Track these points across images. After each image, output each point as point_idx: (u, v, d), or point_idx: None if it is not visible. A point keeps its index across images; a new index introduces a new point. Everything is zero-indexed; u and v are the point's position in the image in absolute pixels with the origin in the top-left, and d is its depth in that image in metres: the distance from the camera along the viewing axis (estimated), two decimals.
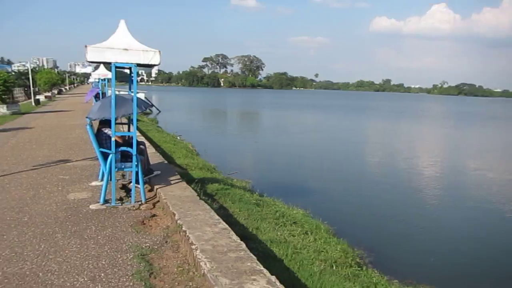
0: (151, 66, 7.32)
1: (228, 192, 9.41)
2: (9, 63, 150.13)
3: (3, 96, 24.37)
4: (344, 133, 38.27)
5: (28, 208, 6.70)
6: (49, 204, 6.95)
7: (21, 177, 8.87)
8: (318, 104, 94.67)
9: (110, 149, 6.87)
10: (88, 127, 6.99)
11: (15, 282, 4.25)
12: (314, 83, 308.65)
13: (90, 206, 6.82)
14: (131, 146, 7.03)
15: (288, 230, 8.15)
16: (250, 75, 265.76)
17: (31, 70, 41.04)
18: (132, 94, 7.13)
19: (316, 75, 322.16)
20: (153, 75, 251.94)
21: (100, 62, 7.87)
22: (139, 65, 6.94)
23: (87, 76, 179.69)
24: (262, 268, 4.22)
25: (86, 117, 7.45)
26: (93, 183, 8.31)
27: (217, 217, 5.85)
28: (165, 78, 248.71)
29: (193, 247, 4.72)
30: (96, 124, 7.55)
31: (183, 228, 5.33)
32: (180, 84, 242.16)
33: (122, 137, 7.87)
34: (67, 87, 74.79)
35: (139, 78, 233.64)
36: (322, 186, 15.97)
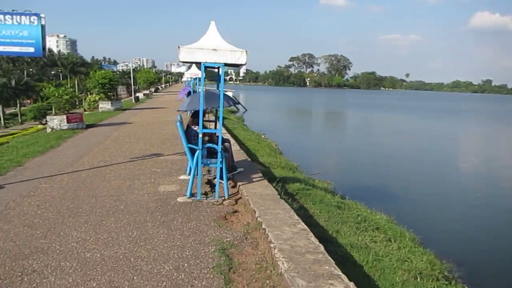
0: (238, 65, 7.54)
1: (309, 192, 9.35)
2: (115, 63, 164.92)
3: (109, 93, 26.86)
4: (435, 136, 35.84)
5: (124, 197, 7.31)
6: (142, 194, 7.51)
7: (119, 168, 9.71)
8: (407, 105, 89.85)
9: (198, 145, 7.22)
10: (178, 123, 7.40)
11: (110, 264, 4.67)
12: (404, 83, 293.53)
13: (178, 199, 7.23)
14: (217, 143, 7.33)
15: (369, 236, 7.87)
16: (337, 75, 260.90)
17: (133, 69, 44.61)
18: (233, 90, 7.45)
19: (407, 75, 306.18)
20: (241, 74, 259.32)
21: (191, 62, 8.30)
22: (226, 64, 7.18)
23: (181, 75, 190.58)
24: (340, 273, 4.13)
25: (178, 110, 7.93)
26: (181, 177, 8.80)
27: (297, 217, 5.84)
28: (253, 78, 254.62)
29: (272, 245, 4.77)
30: (186, 121, 7.98)
31: (263, 226, 5.41)
32: (266, 83, 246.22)
33: (209, 134, 8.24)
34: (163, 86, 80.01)
35: (228, 77, 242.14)
36: (408, 192, 15.15)
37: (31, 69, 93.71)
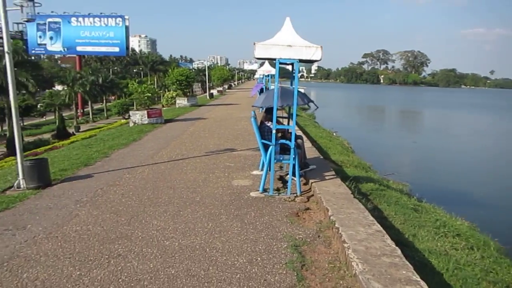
0: (313, 61, 7.45)
1: (384, 193, 9.01)
2: (191, 61, 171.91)
3: (185, 90, 28.04)
4: None
5: (200, 190, 7.58)
6: (217, 187, 7.73)
7: (195, 161, 10.08)
8: (491, 104, 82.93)
9: (271, 141, 7.27)
10: (252, 119, 7.50)
11: (187, 253, 4.87)
12: (488, 81, 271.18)
13: (251, 193, 7.34)
14: (290, 140, 7.33)
15: (449, 242, 7.38)
16: (413, 72, 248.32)
17: (207, 67, 46.08)
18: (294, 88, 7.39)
19: (492, 72, 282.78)
20: (313, 71, 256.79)
21: (266, 59, 8.37)
22: (301, 61, 7.13)
23: (253, 72, 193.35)
24: (419, 279, 3.92)
25: (253, 106, 8.04)
26: (254, 172, 8.92)
27: (371, 218, 5.65)
28: (324, 75, 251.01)
29: (345, 245, 4.66)
30: (259, 117, 8.07)
31: (336, 225, 5.31)
32: (338, 80, 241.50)
33: (282, 130, 8.26)
34: (235, 83, 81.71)
35: (299, 74, 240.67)
36: (491, 197, 14.01)
37: (115, 68, 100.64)
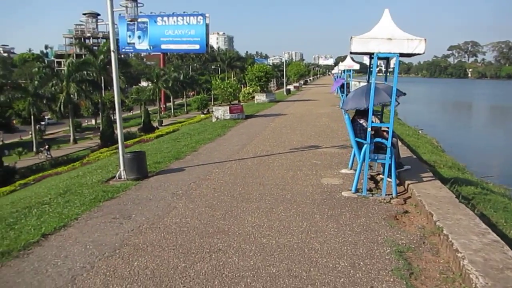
0: (413, 55, 7.02)
1: (488, 198, 8.24)
2: (266, 57, 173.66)
3: (264, 86, 28.27)
4: None
5: (289, 187, 7.51)
6: (306, 185, 7.61)
7: (281, 158, 10.05)
8: None
9: (365, 139, 6.97)
10: (346, 117, 7.24)
11: (286, 252, 4.80)
12: None
13: (342, 193, 7.11)
14: (384, 138, 6.98)
15: None
16: (507, 65, 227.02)
17: (283, 63, 46.01)
18: (384, 83, 7.05)
19: None
20: (391, 65, 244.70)
21: (362, 53, 8.04)
22: (402, 55, 6.74)
23: (328, 67, 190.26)
24: None
25: (341, 108, 7.74)
26: (343, 171, 8.65)
27: (484, 225, 5.16)
28: (404, 69, 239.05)
29: (459, 255, 4.28)
30: (351, 114, 7.78)
31: (444, 232, 4.91)
32: (420, 74, 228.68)
33: (375, 128, 7.88)
34: (311, 78, 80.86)
35: (377, 69, 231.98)
36: None
37: (195, 64, 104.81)
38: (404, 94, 7.65)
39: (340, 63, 28.68)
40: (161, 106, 68.35)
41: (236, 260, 4.62)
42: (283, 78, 43.83)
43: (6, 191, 20.32)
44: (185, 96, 76.11)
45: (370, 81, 7.37)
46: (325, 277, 4.24)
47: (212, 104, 75.27)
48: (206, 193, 7.25)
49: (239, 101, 30.10)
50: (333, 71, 48.23)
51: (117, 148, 26.55)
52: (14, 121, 53.81)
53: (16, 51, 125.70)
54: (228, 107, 17.96)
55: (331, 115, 19.42)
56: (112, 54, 8.43)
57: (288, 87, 39.93)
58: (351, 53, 7.29)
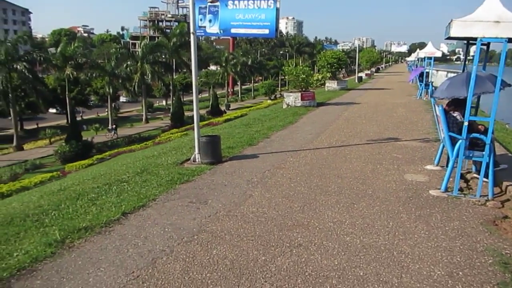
0: None
1: None
2: (335, 43, 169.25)
3: (336, 73, 27.39)
4: None
5: (369, 182, 7.05)
6: (388, 181, 7.09)
7: (358, 149, 9.54)
8: None
9: (458, 134, 6.32)
10: (440, 108, 6.59)
11: (372, 254, 4.42)
12: None
13: (430, 192, 6.52)
14: (480, 132, 6.31)
15: None
16: None
17: (353, 49, 44.34)
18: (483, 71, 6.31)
19: None
20: (471, 53, 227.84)
21: (462, 38, 7.27)
22: (510, 40, 5.95)
23: (401, 55, 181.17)
24: None
25: (431, 97, 7.09)
26: (428, 167, 7.98)
27: None
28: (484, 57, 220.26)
29: None
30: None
31: None
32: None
33: (469, 121, 7.13)
34: (383, 66, 77.55)
35: (455, 56, 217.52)
36: None
37: (263, 49, 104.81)
38: (510, 85, 6.82)
39: (419, 50, 26.84)
40: (229, 90, 69.30)
41: (318, 258, 4.33)
42: (353, 65, 42.32)
43: (85, 164, 21.69)
44: (252, 81, 76.49)
45: (466, 70, 6.66)
46: (420, 285, 3.82)
47: (280, 90, 75.09)
48: (282, 182, 7.01)
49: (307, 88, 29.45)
50: (407, 59, 45.57)
51: (187, 129, 27.32)
52: (92, 98, 57.30)
53: (96, 31, 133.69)
54: (299, 94, 17.56)
55: (408, 105, 18.28)
56: (192, 36, 8.41)
57: (360, 74, 38.42)
58: (448, 38, 6.56)
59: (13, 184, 14.82)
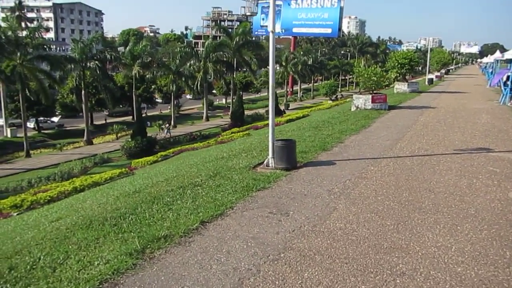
0: None
1: None
2: (400, 43, 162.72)
3: (406, 75, 25.91)
4: None
5: (468, 199, 6.23)
6: (491, 199, 6.23)
7: (445, 160, 8.64)
8: None
9: None
10: None
11: None
12: None
13: None
14: None
15: None
16: None
17: (418, 49, 41.94)
18: None
19: None
20: None
21: None
22: None
23: (471, 56, 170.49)
24: None
25: None
26: None
27: None
28: None
29: None
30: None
31: None
32: None
33: None
34: (453, 67, 73.21)
35: None
36: None
37: (323, 49, 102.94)
38: None
39: (501, 53, 24.68)
40: (288, 89, 68.76)
41: None
42: (419, 66, 39.98)
43: (150, 160, 22.16)
44: (312, 81, 75.40)
45: None
46: None
47: (340, 90, 73.32)
48: (366, 194, 6.40)
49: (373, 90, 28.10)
50: (482, 60, 42.29)
51: (247, 129, 27.09)
52: (156, 96, 59.18)
53: (161, 31, 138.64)
54: (370, 96, 16.64)
55: (492, 111, 16.71)
56: (270, 34, 8.00)
57: (430, 76, 36.25)
58: None
59: (85, 178, 15.35)
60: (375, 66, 19.96)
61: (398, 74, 25.82)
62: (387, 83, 26.32)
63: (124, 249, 4.50)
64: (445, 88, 30.30)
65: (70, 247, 4.74)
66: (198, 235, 4.94)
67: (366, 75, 16.82)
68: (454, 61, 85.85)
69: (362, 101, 16.88)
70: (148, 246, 4.59)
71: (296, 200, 6.14)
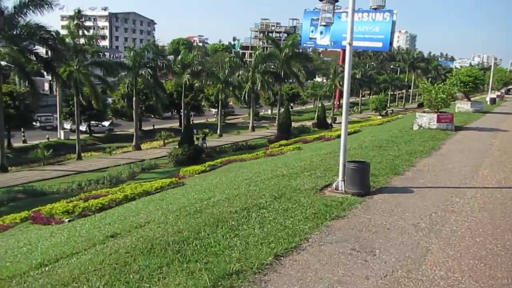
0: None
1: None
2: (452, 59, 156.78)
3: (469, 94, 24.29)
4: None
5: None
6: None
7: None
8: None
9: None
10: None
11: None
12: None
13: None
14: None
15: None
16: None
17: (484, 67, 39.58)
18: None
19: None
20: None
21: None
22: None
23: None
24: None
25: None
26: None
27: None
28: None
29: None
30: None
31: None
32: None
33: None
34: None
35: None
36: None
37: (372, 63, 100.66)
38: None
39: None
40: (335, 103, 67.43)
41: None
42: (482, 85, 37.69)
43: (198, 170, 21.87)
44: (360, 95, 73.63)
45: None
46: None
47: (388, 106, 71.04)
48: (461, 234, 5.51)
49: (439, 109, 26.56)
50: None
51: (295, 141, 26.26)
52: (203, 104, 59.75)
53: (209, 41, 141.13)
54: (435, 115, 15.46)
55: None
56: (348, 46, 7.33)
57: (492, 95, 34.01)
58: None
59: (135, 186, 15.18)
60: (443, 82, 18.68)
61: (462, 92, 24.23)
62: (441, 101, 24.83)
63: (192, 285, 3.92)
64: (510, 109, 28.20)
65: (131, 276, 4.23)
66: (273, 273, 4.29)
67: (433, 92, 15.67)
68: None
69: (426, 119, 15.72)
70: (219, 283, 3.99)
71: (379, 235, 5.36)
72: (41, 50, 29.13)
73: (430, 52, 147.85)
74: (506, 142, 13.37)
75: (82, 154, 33.77)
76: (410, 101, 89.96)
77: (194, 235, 5.32)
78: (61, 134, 39.68)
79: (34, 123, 42.31)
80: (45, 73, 45.23)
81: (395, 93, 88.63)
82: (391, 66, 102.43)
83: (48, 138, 38.19)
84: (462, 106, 24.10)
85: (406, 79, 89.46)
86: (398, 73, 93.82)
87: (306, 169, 9.62)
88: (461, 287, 4.11)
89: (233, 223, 5.78)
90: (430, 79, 24.93)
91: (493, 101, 32.14)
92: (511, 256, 4.88)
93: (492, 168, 9.61)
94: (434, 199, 6.97)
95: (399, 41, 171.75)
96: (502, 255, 4.89)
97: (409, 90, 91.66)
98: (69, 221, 11.11)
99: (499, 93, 40.99)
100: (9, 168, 28.30)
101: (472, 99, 35.67)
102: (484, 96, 43.41)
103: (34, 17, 25.53)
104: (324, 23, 8.45)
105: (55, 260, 5.80)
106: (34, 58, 27.91)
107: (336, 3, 7.88)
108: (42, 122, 43.46)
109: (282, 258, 4.63)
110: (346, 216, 6.01)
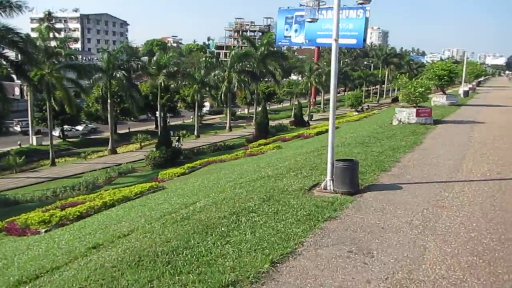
0: None
1: None
2: (423, 54, 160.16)
3: (444, 87, 24.70)
4: None
5: None
6: None
7: None
8: None
9: None
10: None
11: None
12: None
13: None
14: None
15: None
16: None
17: (455, 61, 40.41)
18: None
19: None
20: None
21: None
22: None
23: (498, 68, 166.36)
24: None
25: None
26: None
27: None
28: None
29: None
30: None
31: None
32: None
33: None
34: (481, 79, 71.11)
35: None
36: None
37: (346, 60, 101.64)
38: None
39: None
40: (311, 100, 67.75)
41: None
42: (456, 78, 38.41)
43: (177, 173, 21.44)
44: (335, 92, 74.07)
45: None
46: None
47: (363, 101, 71.82)
48: (455, 229, 5.45)
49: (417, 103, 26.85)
50: (510, 72, 40.54)
51: (274, 140, 26.08)
52: (179, 106, 58.95)
53: (183, 42, 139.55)
54: (414, 110, 15.58)
55: None
56: (333, 43, 7.16)
57: (465, 88, 34.68)
58: None
59: (113, 192, 14.69)
60: (417, 76, 18.86)
61: (437, 86, 24.61)
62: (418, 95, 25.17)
63: None
64: (483, 101, 28.86)
65: None
66: (271, 281, 4.09)
67: (411, 87, 15.78)
68: (484, 72, 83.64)
69: (406, 114, 15.83)
70: None
71: (375, 235, 5.23)
72: (11, 54, 28.11)
73: (402, 48, 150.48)
74: (485, 134, 13.57)
75: (56, 160, 32.75)
76: (384, 96, 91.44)
77: (184, 244, 5.06)
78: (33, 140, 38.35)
79: (15, 128, 41.01)
80: (15, 77, 43.57)
81: (369, 88, 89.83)
82: (365, 62, 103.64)
83: (20, 144, 36.84)
84: (438, 99, 24.50)
85: (380, 75, 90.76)
86: (372, 69, 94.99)
87: (291, 169, 9.45)
88: (464, 286, 4.01)
89: (223, 229, 5.55)
90: (406, 74, 25.34)
91: (466, 93, 32.86)
92: (507, 250, 4.83)
93: (475, 160, 9.68)
94: (424, 195, 6.92)
95: (372, 38, 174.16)
96: (499, 250, 4.84)
97: (383, 86, 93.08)
98: (45, 231, 10.63)
99: (471, 86, 41.96)
100: None
101: (447, 92, 36.40)
102: (457, 89, 44.32)
103: (3, 20, 24.50)
104: (309, 20, 8.25)
105: (34, 277, 5.44)
106: (4, 62, 26.91)
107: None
108: (23, 126, 41.80)
109: (278, 265, 4.43)
110: (339, 217, 5.86)
